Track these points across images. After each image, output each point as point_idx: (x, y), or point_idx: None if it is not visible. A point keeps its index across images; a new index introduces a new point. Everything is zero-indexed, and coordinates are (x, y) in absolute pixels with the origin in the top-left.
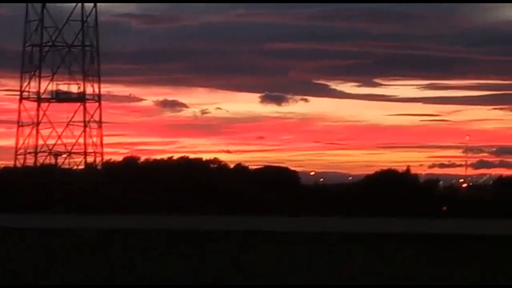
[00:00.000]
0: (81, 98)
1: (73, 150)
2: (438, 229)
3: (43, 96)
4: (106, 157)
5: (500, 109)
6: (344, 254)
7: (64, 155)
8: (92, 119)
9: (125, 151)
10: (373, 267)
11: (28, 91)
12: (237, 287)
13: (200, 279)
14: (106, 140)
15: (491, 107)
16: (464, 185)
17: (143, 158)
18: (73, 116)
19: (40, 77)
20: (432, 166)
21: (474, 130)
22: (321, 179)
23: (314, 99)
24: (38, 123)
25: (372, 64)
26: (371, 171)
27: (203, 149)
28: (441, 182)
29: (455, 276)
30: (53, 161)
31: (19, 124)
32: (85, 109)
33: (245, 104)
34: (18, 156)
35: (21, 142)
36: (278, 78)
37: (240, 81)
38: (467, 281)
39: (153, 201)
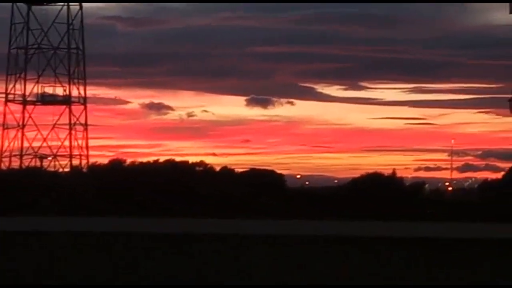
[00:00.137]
0: (66, 100)
1: (58, 153)
2: (428, 232)
3: (28, 99)
4: (91, 160)
5: (486, 112)
6: (341, 256)
7: (50, 158)
8: (77, 122)
9: (110, 154)
10: (369, 269)
11: (14, 94)
12: (237, 287)
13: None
14: (91, 142)
15: (477, 111)
16: (450, 188)
17: (129, 161)
18: (58, 119)
19: (25, 80)
20: (418, 169)
21: (459, 133)
22: (307, 182)
23: (300, 102)
24: (23, 126)
25: (358, 68)
26: (356, 174)
27: (189, 152)
28: (427, 186)
29: (452, 277)
30: (38, 163)
31: (4, 126)
32: (70, 111)
33: (231, 107)
34: (4, 159)
35: (6, 144)
36: (264, 81)
37: (226, 84)
38: (465, 281)
39: (139, 204)
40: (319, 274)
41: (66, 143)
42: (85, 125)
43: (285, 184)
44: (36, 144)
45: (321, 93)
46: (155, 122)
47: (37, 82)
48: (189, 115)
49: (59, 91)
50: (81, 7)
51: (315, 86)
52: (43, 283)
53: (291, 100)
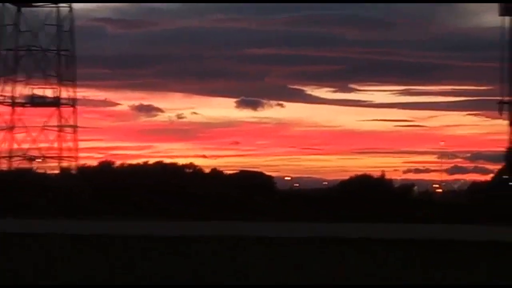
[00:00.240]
0: (56, 102)
1: (47, 155)
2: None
3: (17, 101)
4: (81, 162)
5: (475, 115)
6: (337, 256)
7: (39, 160)
8: (67, 124)
9: (100, 155)
10: (366, 269)
11: (3, 96)
12: (234, 287)
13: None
14: (81, 144)
15: (466, 113)
16: (440, 190)
17: (118, 162)
18: (48, 121)
19: (15, 82)
20: (407, 171)
21: (449, 135)
22: (296, 184)
23: (290, 104)
24: (12, 128)
25: (348, 70)
26: (346, 176)
27: (179, 153)
28: (415, 187)
29: (449, 277)
30: (27, 165)
31: None
32: (60, 113)
33: (221, 109)
34: None
35: None
36: (254, 83)
37: (215, 86)
38: (462, 282)
39: (135, 204)
40: (315, 274)
41: (56, 145)
42: (75, 127)
43: (274, 186)
44: (25, 146)
45: (310, 95)
46: (144, 124)
47: (27, 84)
48: (179, 117)
49: (49, 93)
50: (71, 8)
51: (305, 88)
52: (40, 283)
53: (280, 102)
